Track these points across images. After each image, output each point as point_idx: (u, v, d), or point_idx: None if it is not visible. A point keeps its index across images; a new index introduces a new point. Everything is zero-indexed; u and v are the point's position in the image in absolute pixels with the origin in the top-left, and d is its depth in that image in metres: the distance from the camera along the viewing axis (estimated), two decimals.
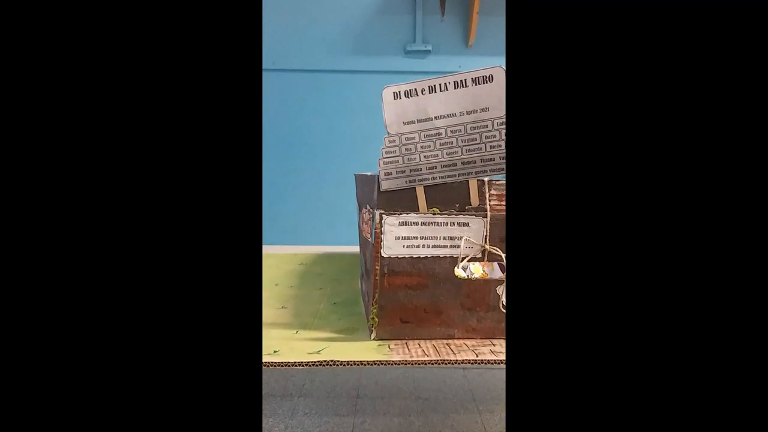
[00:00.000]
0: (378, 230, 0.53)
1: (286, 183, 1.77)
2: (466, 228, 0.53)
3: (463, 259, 0.53)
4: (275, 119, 1.71)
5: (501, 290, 0.52)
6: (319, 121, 1.75)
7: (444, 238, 0.53)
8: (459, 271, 0.63)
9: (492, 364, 0.50)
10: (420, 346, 0.53)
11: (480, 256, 0.54)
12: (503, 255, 0.53)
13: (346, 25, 1.73)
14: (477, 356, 0.51)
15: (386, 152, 0.53)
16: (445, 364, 0.49)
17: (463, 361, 0.50)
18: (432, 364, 0.49)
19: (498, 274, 0.58)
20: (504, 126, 0.51)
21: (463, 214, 0.53)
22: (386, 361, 0.49)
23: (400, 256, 0.53)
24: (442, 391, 1.24)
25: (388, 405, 1.17)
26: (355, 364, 0.48)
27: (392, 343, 0.54)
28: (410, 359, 0.49)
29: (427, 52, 1.72)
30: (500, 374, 1.34)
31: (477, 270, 0.64)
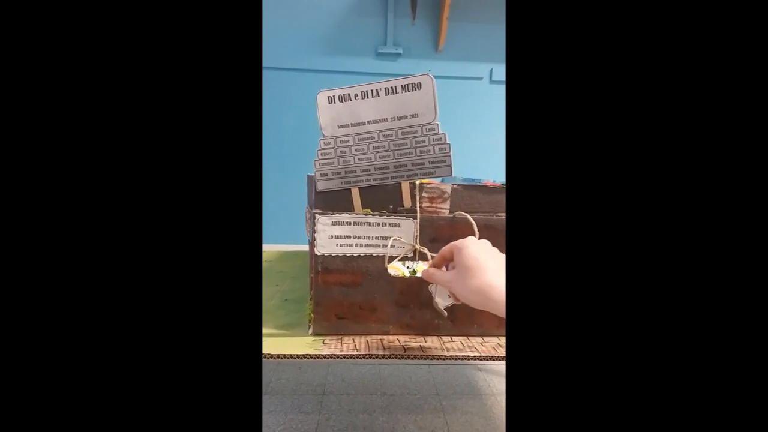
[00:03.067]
0: (313, 229, 0.55)
1: None
2: (397, 228, 0.55)
3: (392, 258, 0.56)
4: None
5: (432, 288, 0.54)
6: (289, 120, 1.76)
7: (376, 238, 0.55)
8: (402, 269, 0.65)
9: (419, 358, 0.52)
10: (353, 341, 0.56)
11: (411, 255, 0.56)
12: (429, 254, 0.55)
13: (318, 25, 1.74)
14: (405, 351, 0.53)
15: (322, 154, 0.55)
16: (372, 357, 0.52)
17: (390, 356, 0.52)
18: (359, 357, 0.51)
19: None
20: (432, 132, 0.54)
21: (395, 215, 0.55)
22: (315, 354, 0.51)
23: (333, 254, 0.55)
24: (407, 387, 1.26)
25: (353, 401, 1.18)
26: (285, 357, 0.50)
27: (327, 339, 0.56)
28: (339, 353, 0.52)
29: (398, 55, 1.74)
30: (463, 369, 1.37)
31: (420, 269, 0.66)
